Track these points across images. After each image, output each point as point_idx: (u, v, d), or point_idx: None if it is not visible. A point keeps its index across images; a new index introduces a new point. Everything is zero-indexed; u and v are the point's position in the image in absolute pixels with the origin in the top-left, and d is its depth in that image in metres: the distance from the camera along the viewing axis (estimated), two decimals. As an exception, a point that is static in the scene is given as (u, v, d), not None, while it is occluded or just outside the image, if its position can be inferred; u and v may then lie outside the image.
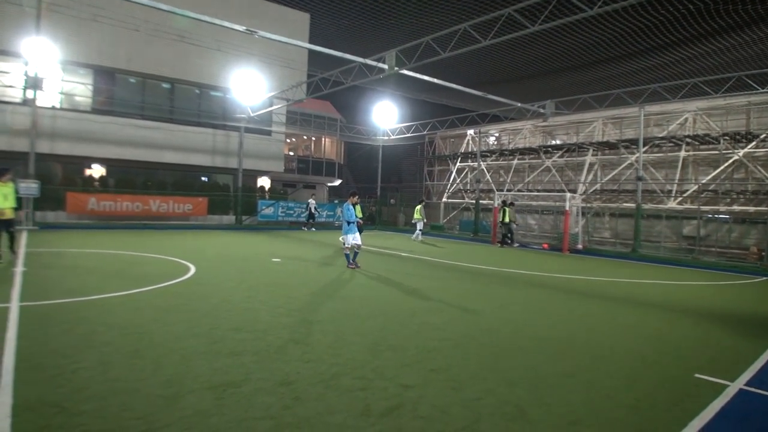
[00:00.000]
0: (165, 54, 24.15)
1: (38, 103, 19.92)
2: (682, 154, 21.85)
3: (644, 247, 20.28)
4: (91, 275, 9.32)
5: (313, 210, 26.59)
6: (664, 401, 4.38)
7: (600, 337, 6.60)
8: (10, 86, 21.25)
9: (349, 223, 11.74)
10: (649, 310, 8.68)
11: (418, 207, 22.83)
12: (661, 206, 21.77)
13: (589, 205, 24.03)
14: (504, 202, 22.01)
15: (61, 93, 22.82)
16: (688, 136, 21.33)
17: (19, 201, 10.63)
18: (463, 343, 5.84)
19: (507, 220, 21.28)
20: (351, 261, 11.91)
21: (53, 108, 22.23)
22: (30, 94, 19.99)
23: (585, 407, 4.13)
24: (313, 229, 26.16)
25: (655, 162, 23.14)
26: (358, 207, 18.21)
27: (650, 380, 4.92)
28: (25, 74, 20.76)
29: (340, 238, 11.93)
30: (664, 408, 4.23)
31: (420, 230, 22.37)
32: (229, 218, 26.51)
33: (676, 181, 21.83)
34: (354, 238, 11.77)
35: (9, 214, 10.33)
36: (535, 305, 8.60)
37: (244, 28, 15.21)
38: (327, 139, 39.59)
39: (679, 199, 21.49)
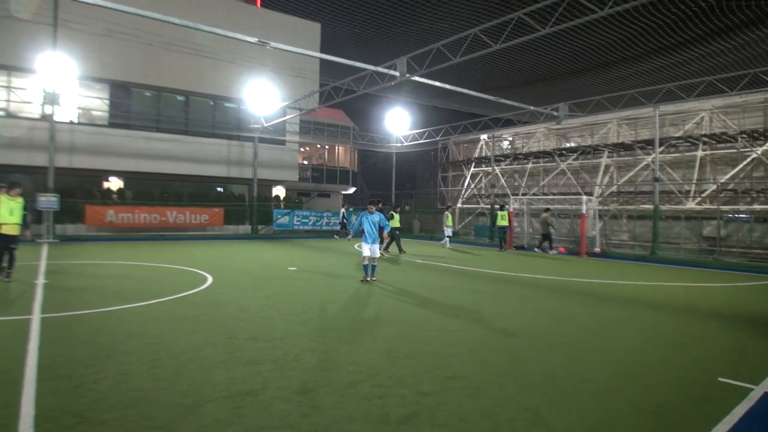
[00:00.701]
0: (179, 67, 24.50)
1: (56, 118, 20.30)
2: (699, 153, 21.56)
3: (663, 249, 19.99)
4: (110, 286, 9.44)
5: (345, 219, 27.06)
6: (687, 406, 4.30)
7: (619, 341, 6.51)
8: (29, 102, 21.71)
9: (366, 233, 11.10)
10: (669, 313, 8.55)
11: (448, 214, 22.62)
12: (679, 207, 21.48)
13: (605, 207, 23.79)
14: (501, 207, 22.71)
15: (79, 108, 23.24)
16: (705, 135, 21.04)
17: (25, 219, 9.80)
18: (479, 349, 5.81)
19: (506, 223, 21.64)
20: (367, 273, 11.05)
21: (71, 123, 22.66)
22: (48, 109, 20.39)
23: (605, 413, 4.08)
24: (349, 237, 26.37)
25: (672, 162, 22.86)
26: (396, 216, 18.42)
27: (672, 385, 4.84)
28: (43, 90, 21.20)
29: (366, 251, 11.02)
30: (686, 413, 4.15)
31: (448, 237, 22.11)
32: (245, 228, 26.70)
33: (694, 181, 21.53)
34: (370, 250, 11.03)
35: (13, 231, 9.68)
36: (552, 310, 8.52)
37: (257, 39, 15.36)
38: (340, 148, 39.78)
39: (698, 199, 21.18)
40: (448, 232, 22.10)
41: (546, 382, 4.74)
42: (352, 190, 41.16)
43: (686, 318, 8.24)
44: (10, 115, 21.40)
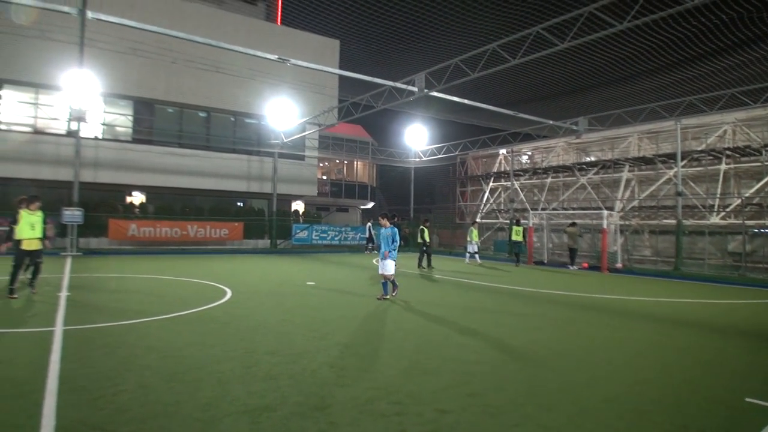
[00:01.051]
0: (201, 84, 24.97)
1: (82, 134, 20.78)
2: (723, 167, 21.20)
3: (687, 265, 19.58)
4: (131, 299, 9.55)
5: (371, 233, 27.38)
6: (713, 427, 4.17)
7: (642, 359, 6.36)
8: (56, 118, 22.28)
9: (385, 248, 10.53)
10: (694, 331, 8.36)
11: (473, 229, 21.48)
12: (703, 222, 21.08)
13: (627, 222, 23.45)
14: (518, 221, 22.26)
15: (103, 124, 23.76)
16: (728, 149, 20.70)
17: (44, 231, 9.80)
18: (499, 367, 5.72)
19: (520, 238, 21.42)
20: (386, 291, 10.54)
21: (95, 138, 23.16)
22: (74, 125, 20.89)
23: (629, 432, 3.98)
24: (375, 251, 26.71)
25: (695, 176, 22.51)
26: (426, 231, 18.40)
27: (698, 405, 4.71)
28: (70, 107, 21.75)
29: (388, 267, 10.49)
30: (714, 433, 4.03)
31: (470, 252, 21.16)
32: (264, 242, 26.87)
33: (718, 196, 21.14)
34: (381, 267, 10.56)
35: (36, 245, 9.68)
36: (574, 327, 8.39)
37: (277, 57, 15.60)
38: (359, 163, 39.98)
39: (722, 213, 20.78)
40: (473, 247, 21.04)
41: (567, 401, 4.65)
42: (370, 205, 41.26)
43: (711, 335, 8.05)
44: (37, 131, 21.98)
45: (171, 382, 4.76)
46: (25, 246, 9.52)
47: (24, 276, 9.79)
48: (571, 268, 20.26)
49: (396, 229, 10.75)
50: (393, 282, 10.67)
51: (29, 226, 9.56)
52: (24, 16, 19.27)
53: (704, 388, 5.24)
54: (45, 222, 9.85)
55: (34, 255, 9.70)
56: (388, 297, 10.48)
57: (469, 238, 21.14)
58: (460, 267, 19.57)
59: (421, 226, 18.61)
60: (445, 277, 15.79)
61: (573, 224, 21.36)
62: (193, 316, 8.02)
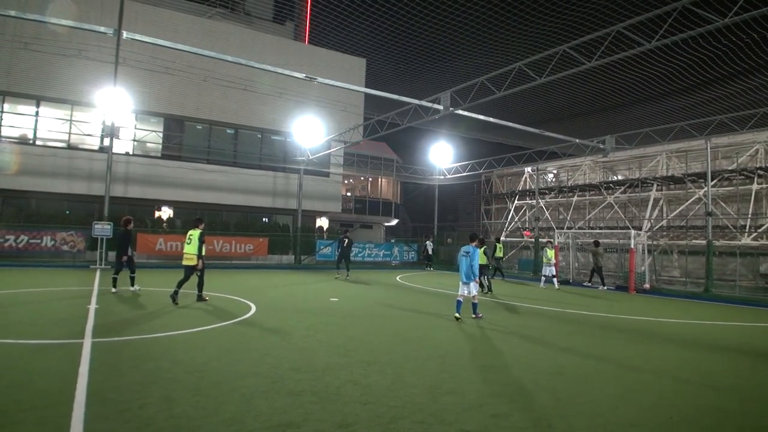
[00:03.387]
0: (230, 101, 25.48)
1: (114, 149, 21.32)
2: (755, 187, 20.71)
3: (718, 287, 19.04)
4: (158, 313, 9.67)
5: (430, 251, 28.65)
6: (751, 456, 4.02)
7: (672, 383, 6.17)
8: (89, 135, 22.92)
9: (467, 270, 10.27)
10: (725, 355, 8.10)
11: (547, 249, 19.19)
12: (734, 243, 20.56)
13: (655, 242, 22.99)
14: (498, 239, 22.80)
15: (134, 140, 24.36)
16: (761, 168, 20.23)
17: (200, 248, 11.48)
18: (524, 387, 5.62)
19: (500, 255, 21.86)
20: (458, 310, 10.36)
21: (127, 154, 23.75)
22: (107, 141, 21.47)
23: (661, 460, 3.85)
24: (431, 268, 28.13)
25: (726, 196, 22.01)
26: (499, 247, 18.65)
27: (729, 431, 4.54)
28: (103, 123, 22.37)
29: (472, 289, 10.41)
30: (751, 463, 3.88)
31: (546, 276, 19.05)
32: (289, 258, 27.04)
33: (749, 216, 20.61)
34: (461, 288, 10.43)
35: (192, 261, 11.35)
36: (601, 348, 8.20)
37: (304, 75, 15.83)
38: (383, 180, 40.12)
39: (754, 234, 20.24)
40: (550, 270, 18.88)
41: (594, 425, 4.52)
42: (394, 221, 41.27)
43: (743, 360, 7.78)
44: (71, 147, 22.63)
45: (196, 395, 4.79)
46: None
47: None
48: (604, 288, 19.78)
49: (475, 249, 10.49)
50: (473, 303, 10.59)
51: (187, 242, 11.44)
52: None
53: (735, 414, 5.06)
54: (200, 240, 11.45)
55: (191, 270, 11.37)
56: (477, 316, 10.56)
57: (545, 260, 19.10)
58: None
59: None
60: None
61: (597, 243, 20.66)
62: (218, 331, 8.09)
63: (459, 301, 10.40)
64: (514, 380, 5.88)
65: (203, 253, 11.43)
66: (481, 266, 14.45)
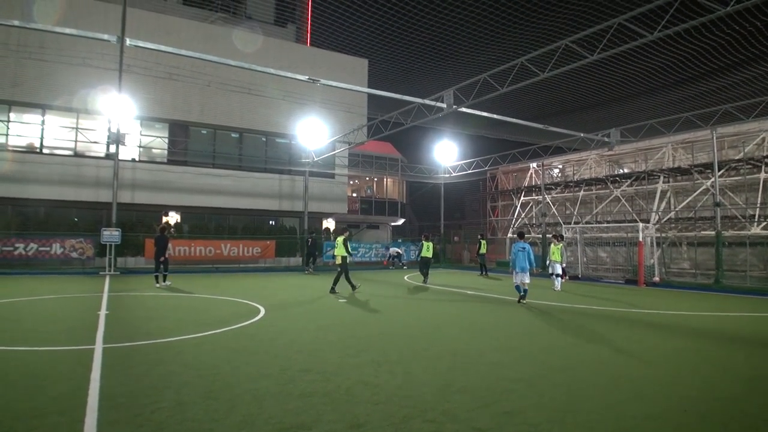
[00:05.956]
0: (234, 105, 25.56)
1: (120, 156, 21.44)
2: (763, 175, 20.55)
3: (728, 278, 18.89)
4: (168, 318, 9.72)
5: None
6: (766, 447, 3.99)
7: (686, 375, 6.13)
8: (95, 142, 23.07)
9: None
10: (739, 346, 8.04)
11: (555, 246, 17.22)
12: (743, 233, 20.40)
13: (663, 234, 22.86)
14: (482, 236, 24.44)
15: (140, 146, 24.49)
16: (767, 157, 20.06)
17: (347, 251, 14.84)
18: (536, 383, 5.59)
19: (483, 251, 23.77)
20: (525, 296, 12.78)
21: (133, 160, 23.90)
22: (113, 148, 21.59)
23: (675, 453, 3.82)
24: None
25: (734, 186, 21.86)
26: (427, 245, 18.65)
27: (745, 423, 4.50)
28: (108, 131, 22.51)
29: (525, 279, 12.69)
30: (766, 455, 3.85)
31: (556, 275, 16.83)
32: (296, 260, 27.09)
33: (758, 205, 20.45)
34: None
35: (339, 261, 14.84)
36: (612, 341, 8.15)
37: (307, 77, 15.87)
38: (389, 180, 40.10)
39: (764, 223, 20.08)
40: (557, 268, 16.88)
41: (608, 419, 4.50)
42: (400, 221, 41.25)
43: (757, 351, 7.72)
44: (77, 154, 22.78)
45: (207, 399, 4.81)
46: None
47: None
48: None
49: (526, 245, 12.90)
50: (525, 289, 12.81)
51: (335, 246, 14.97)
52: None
53: (750, 405, 5.01)
54: (346, 244, 14.79)
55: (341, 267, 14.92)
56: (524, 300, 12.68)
57: (550, 258, 17.34)
58: (488, 285, 19.26)
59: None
60: (480, 293, 15.59)
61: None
62: (228, 334, 8.11)
63: (518, 286, 12.76)
64: (526, 376, 5.86)
65: (349, 252, 14.93)
66: (424, 258, 18.27)
